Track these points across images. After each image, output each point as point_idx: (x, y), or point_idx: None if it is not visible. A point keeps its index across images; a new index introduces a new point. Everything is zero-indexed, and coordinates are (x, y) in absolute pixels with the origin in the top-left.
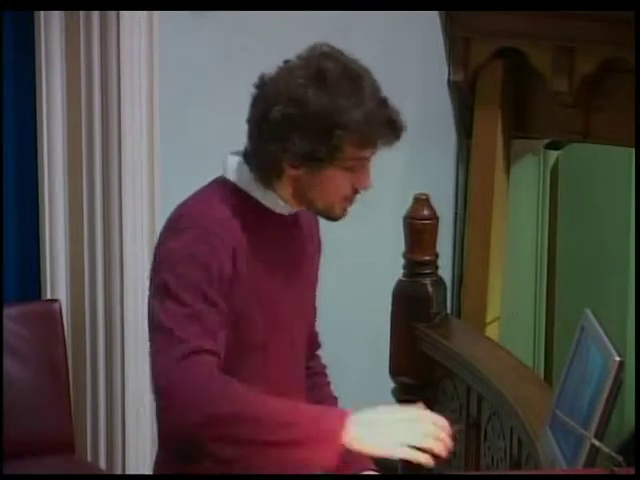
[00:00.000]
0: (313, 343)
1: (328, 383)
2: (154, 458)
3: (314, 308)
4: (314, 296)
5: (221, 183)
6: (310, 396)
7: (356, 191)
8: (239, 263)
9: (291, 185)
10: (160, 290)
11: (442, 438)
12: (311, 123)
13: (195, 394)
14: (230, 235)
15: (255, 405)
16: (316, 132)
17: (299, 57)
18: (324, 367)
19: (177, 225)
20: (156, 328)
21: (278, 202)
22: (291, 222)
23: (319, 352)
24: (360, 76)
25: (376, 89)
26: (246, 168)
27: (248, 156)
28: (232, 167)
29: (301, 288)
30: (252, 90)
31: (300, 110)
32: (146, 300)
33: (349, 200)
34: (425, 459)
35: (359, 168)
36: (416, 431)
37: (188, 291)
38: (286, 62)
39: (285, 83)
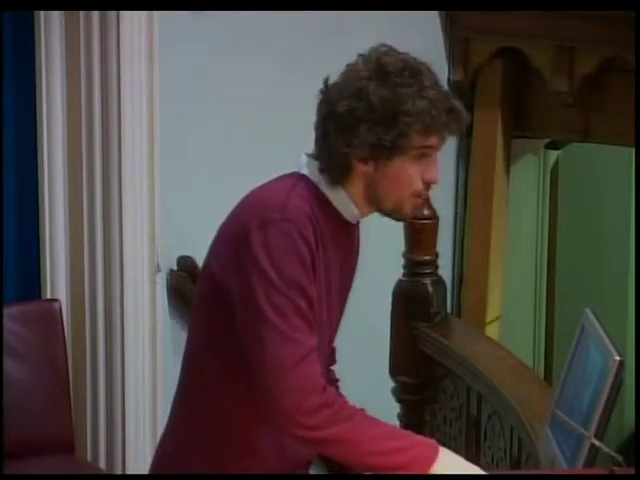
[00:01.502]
0: (331, 356)
1: (336, 380)
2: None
3: (340, 321)
4: (344, 309)
5: (298, 176)
6: None
7: (427, 186)
8: (318, 258)
9: (361, 183)
10: (261, 278)
11: None
12: (376, 113)
13: (306, 403)
14: (314, 230)
15: (359, 429)
16: (381, 121)
17: (358, 56)
18: (337, 380)
19: (267, 214)
20: (263, 319)
21: (349, 204)
22: (351, 232)
23: (334, 367)
24: (419, 70)
25: (436, 81)
26: (317, 166)
27: (318, 159)
28: (306, 164)
29: (341, 297)
30: (316, 95)
31: (364, 102)
32: (146, 300)
33: (419, 195)
34: None
35: (426, 159)
36: None
37: (290, 286)
38: (347, 65)
39: (347, 80)
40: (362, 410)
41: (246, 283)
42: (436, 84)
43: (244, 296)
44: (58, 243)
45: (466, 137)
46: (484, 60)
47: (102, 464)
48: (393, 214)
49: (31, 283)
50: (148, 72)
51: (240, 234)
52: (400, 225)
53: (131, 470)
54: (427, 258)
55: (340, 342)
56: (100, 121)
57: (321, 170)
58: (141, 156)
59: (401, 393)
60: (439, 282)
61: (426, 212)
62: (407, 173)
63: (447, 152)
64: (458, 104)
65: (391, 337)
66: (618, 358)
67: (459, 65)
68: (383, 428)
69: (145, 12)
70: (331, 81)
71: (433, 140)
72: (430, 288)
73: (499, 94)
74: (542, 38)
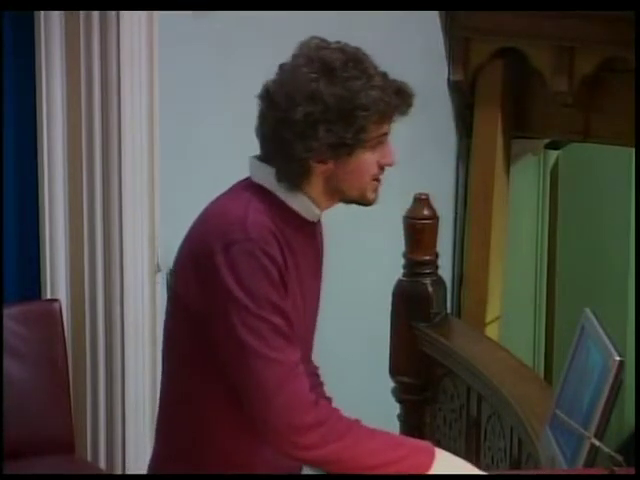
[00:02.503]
0: (310, 360)
1: (321, 384)
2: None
3: (316, 322)
4: (320, 300)
5: (252, 187)
6: None
7: (382, 168)
8: (287, 270)
9: (321, 181)
10: (233, 304)
11: None
12: (332, 113)
13: (299, 422)
14: (278, 244)
15: (356, 444)
16: (339, 120)
17: (295, 56)
18: (316, 368)
19: (230, 235)
20: (241, 346)
21: (310, 206)
22: (313, 230)
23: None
24: (359, 58)
25: (375, 66)
26: (272, 172)
27: (270, 161)
28: (258, 171)
29: (316, 295)
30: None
31: (320, 105)
32: (146, 300)
33: (377, 179)
34: None
35: (381, 145)
36: None
37: (263, 305)
38: (283, 65)
39: (295, 84)
40: (357, 421)
41: (219, 310)
42: (377, 69)
43: (220, 324)
44: (58, 243)
45: (466, 137)
46: (484, 60)
47: (102, 464)
48: (358, 202)
49: (31, 283)
50: (148, 72)
51: (204, 256)
52: (400, 225)
53: (131, 470)
54: (427, 258)
55: (340, 342)
56: (100, 121)
57: (279, 180)
58: (141, 156)
59: (401, 393)
60: (439, 282)
61: (426, 212)
62: (367, 163)
63: (447, 152)
64: (402, 83)
65: (391, 337)
66: (618, 358)
67: (459, 65)
68: (379, 439)
69: (145, 12)
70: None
71: (386, 127)
72: (430, 288)
73: (499, 94)
74: (542, 38)
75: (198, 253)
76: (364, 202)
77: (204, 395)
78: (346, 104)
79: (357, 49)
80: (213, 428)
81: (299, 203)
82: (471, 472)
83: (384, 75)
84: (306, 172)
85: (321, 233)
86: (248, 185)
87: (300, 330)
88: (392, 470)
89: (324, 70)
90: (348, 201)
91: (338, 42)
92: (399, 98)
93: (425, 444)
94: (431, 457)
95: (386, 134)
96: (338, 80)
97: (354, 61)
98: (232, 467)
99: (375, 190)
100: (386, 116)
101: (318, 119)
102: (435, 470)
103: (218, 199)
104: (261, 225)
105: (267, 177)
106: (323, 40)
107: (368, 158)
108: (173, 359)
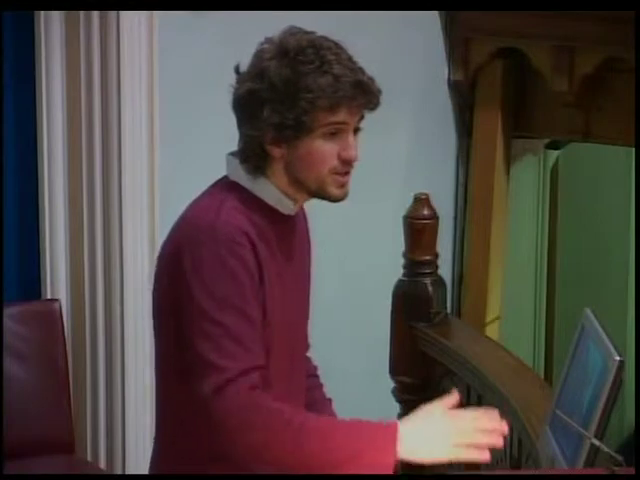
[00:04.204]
0: (305, 355)
1: (321, 385)
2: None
3: (309, 309)
4: (309, 297)
5: (227, 185)
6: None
7: (344, 162)
8: (261, 269)
9: (282, 169)
10: (190, 307)
11: (493, 428)
12: (277, 93)
13: (237, 426)
14: (250, 242)
15: (306, 433)
16: (283, 101)
17: (267, 39)
18: (316, 369)
19: (197, 237)
20: (192, 349)
21: (283, 199)
22: (293, 224)
23: (309, 354)
24: (325, 46)
25: (346, 58)
26: (237, 163)
27: (237, 154)
28: (232, 167)
29: (304, 290)
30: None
31: (265, 82)
32: (146, 299)
33: (339, 173)
34: (481, 457)
35: (339, 136)
36: (466, 429)
37: (222, 308)
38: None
39: (252, 63)
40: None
41: (181, 311)
42: (342, 59)
43: (181, 324)
44: (58, 243)
45: (466, 137)
46: (484, 60)
47: (102, 464)
48: (321, 195)
49: (31, 283)
50: (148, 72)
51: (173, 256)
52: (400, 225)
53: (131, 470)
54: (427, 258)
55: (340, 342)
56: (100, 121)
57: (241, 162)
58: (141, 156)
59: (401, 393)
60: (439, 282)
61: (426, 212)
62: (319, 151)
63: (447, 152)
64: (368, 78)
65: (391, 337)
66: (618, 358)
67: (459, 65)
68: (331, 424)
69: (145, 12)
70: None
71: (342, 116)
72: (430, 288)
73: (499, 94)
74: (542, 38)
75: (169, 254)
76: (326, 196)
77: (185, 392)
78: (291, 85)
79: (332, 41)
80: (200, 423)
81: (269, 194)
82: (441, 420)
83: (349, 66)
84: (263, 155)
85: (305, 225)
86: (224, 184)
87: (283, 321)
88: (353, 467)
89: (280, 52)
90: (312, 194)
91: (314, 33)
92: (355, 90)
93: (385, 427)
94: (392, 441)
95: (343, 124)
96: (290, 62)
97: (315, 47)
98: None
99: (340, 186)
100: (337, 105)
101: (263, 97)
102: (403, 452)
103: (194, 201)
104: (231, 225)
105: (235, 168)
106: (300, 30)
107: (320, 146)
108: (156, 357)
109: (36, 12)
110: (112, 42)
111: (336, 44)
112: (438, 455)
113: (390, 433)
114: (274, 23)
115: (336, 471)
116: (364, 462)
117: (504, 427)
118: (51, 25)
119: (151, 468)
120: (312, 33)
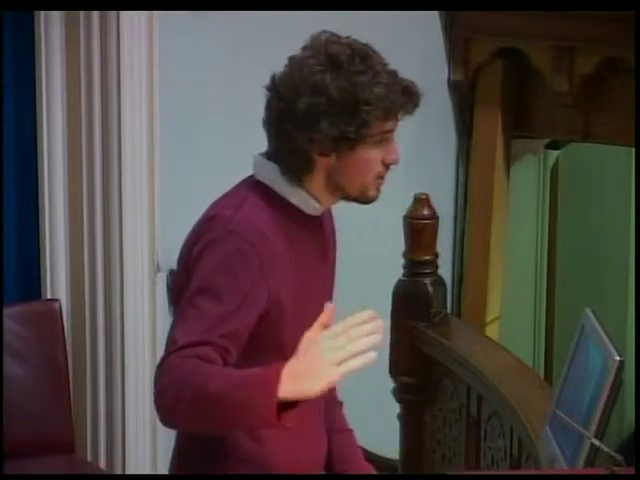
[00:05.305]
0: None
1: (334, 388)
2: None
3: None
4: (332, 295)
5: (252, 184)
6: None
7: (387, 167)
8: (275, 270)
9: (323, 176)
10: (186, 294)
11: (368, 331)
12: (336, 106)
13: (165, 386)
14: (266, 242)
15: (205, 377)
16: (342, 113)
17: (304, 48)
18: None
19: (213, 230)
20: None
21: (309, 200)
22: (318, 224)
23: None
24: (367, 54)
25: (384, 63)
26: (275, 167)
27: (274, 156)
28: (261, 168)
29: (325, 290)
30: (264, 92)
31: (323, 96)
32: (146, 300)
33: (381, 177)
34: (366, 360)
35: (386, 142)
36: (340, 344)
37: (204, 292)
38: (292, 58)
39: (300, 75)
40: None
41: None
42: (385, 66)
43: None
44: (58, 243)
45: (466, 137)
46: (484, 60)
47: (102, 464)
48: (359, 199)
49: (31, 283)
50: (148, 72)
51: (190, 245)
52: (400, 225)
53: (131, 470)
54: (427, 258)
55: None
56: (100, 121)
57: (282, 172)
58: (141, 156)
59: (401, 393)
60: (439, 282)
61: (426, 212)
62: (369, 159)
63: (447, 152)
64: (410, 82)
65: (391, 337)
66: (618, 358)
67: (459, 65)
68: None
69: (145, 12)
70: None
71: (391, 124)
72: (430, 288)
73: (499, 94)
74: (542, 38)
75: (187, 245)
76: (365, 200)
77: None
78: (350, 98)
79: (366, 45)
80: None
81: (297, 197)
82: (322, 365)
83: (392, 73)
84: (308, 165)
85: (331, 223)
86: (249, 183)
87: (304, 316)
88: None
89: (330, 63)
90: (349, 198)
91: (348, 37)
92: (405, 97)
93: (265, 376)
94: (276, 373)
95: (391, 131)
96: (344, 73)
97: (361, 56)
98: (246, 460)
99: (377, 188)
100: (391, 113)
101: (321, 111)
102: (287, 392)
103: (220, 197)
104: (248, 223)
105: (268, 173)
106: (333, 34)
107: (371, 154)
108: None
109: (36, 12)
110: (112, 42)
111: (372, 49)
112: (326, 381)
113: (271, 376)
114: (274, 23)
115: (230, 422)
116: (250, 408)
117: (378, 323)
118: (51, 25)
119: (171, 467)
120: (347, 38)
